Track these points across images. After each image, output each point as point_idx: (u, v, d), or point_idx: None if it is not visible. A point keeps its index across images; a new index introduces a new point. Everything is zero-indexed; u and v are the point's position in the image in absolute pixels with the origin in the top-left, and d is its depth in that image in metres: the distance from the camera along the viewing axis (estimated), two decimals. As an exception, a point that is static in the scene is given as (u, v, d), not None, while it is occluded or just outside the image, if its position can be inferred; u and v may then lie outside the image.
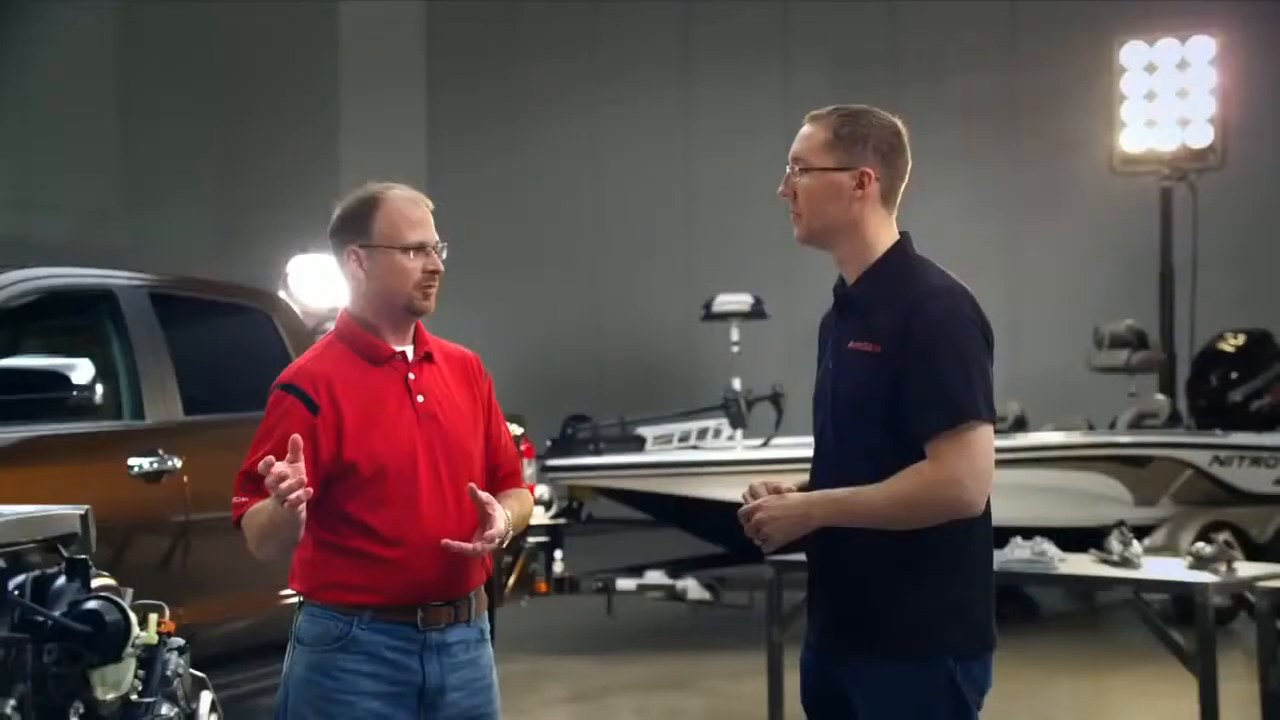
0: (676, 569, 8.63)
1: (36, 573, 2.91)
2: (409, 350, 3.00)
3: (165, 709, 3.02)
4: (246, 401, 5.77)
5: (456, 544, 2.84)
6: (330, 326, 10.77)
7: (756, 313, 9.26)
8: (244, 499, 2.86)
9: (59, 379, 4.50)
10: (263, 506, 2.79)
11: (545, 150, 15.33)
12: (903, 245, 2.80)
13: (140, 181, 15.73)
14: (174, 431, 5.27)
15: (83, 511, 3.22)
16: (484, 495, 2.88)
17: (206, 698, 3.20)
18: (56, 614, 2.84)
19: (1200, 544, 5.72)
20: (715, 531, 9.07)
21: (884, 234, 2.79)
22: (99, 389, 4.63)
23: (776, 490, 2.75)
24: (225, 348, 5.87)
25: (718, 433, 8.99)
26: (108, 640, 2.90)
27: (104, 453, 5.11)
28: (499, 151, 15.28)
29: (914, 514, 2.64)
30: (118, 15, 15.91)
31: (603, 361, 14.74)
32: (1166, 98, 11.06)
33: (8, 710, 2.66)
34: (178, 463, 5.19)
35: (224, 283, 6.14)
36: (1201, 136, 10.98)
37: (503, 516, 2.88)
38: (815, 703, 2.87)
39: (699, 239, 14.84)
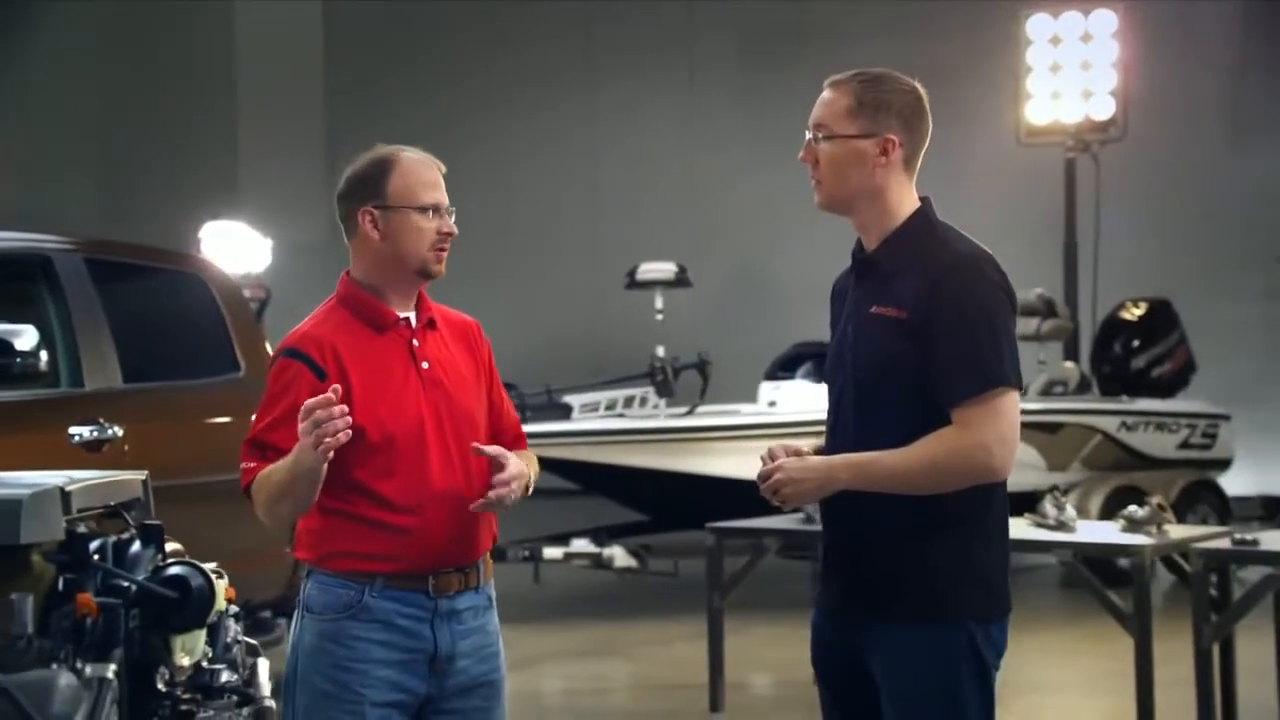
0: (602, 537, 8.64)
1: (113, 538, 2.83)
2: (412, 316, 2.95)
3: (226, 676, 2.96)
4: (184, 368, 5.69)
5: (480, 501, 2.80)
6: (248, 293, 10.44)
7: (681, 281, 9.25)
8: (252, 464, 2.80)
9: (2, 345, 4.38)
10: (277, 467, 2.73)
11: (450, 133, 15.12)
12: (925, 211, 2.80)
13: (29, 155, 15.36)
14: (114, 399, 5.17)
15: (143, 477, 3.17)
16: (491, 448, 2.83)
17: (264, 665, 3.13)
18: (141, 579, 2.77)
19: (1133, 507, 5.84)
20: (641, 499, 9.08)
21: (906, 199, 2.79)
22: (43, 356, 4.51)
23: (796, 453, 2.74)
24: (162, 314, 5.76)
25: (644, 401, 9.00)
26: (193, 606, 2.84)
27: (44, 421, 5.00)
28: (401, 135, 15.10)
29: (940, 479, 2.64)
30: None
31: (527, 332, 14.69)
32: (1070, 70, 11.23)
33: (108, 675, 2.60)
34: (119, 431, 5.09)
35: (160, 248, 6.01)
36: (1104, 108, 11.19)
37: (515, 460, 2.84)
38: (828, 669, 2.86)
39: (608, 217, 14.80)
